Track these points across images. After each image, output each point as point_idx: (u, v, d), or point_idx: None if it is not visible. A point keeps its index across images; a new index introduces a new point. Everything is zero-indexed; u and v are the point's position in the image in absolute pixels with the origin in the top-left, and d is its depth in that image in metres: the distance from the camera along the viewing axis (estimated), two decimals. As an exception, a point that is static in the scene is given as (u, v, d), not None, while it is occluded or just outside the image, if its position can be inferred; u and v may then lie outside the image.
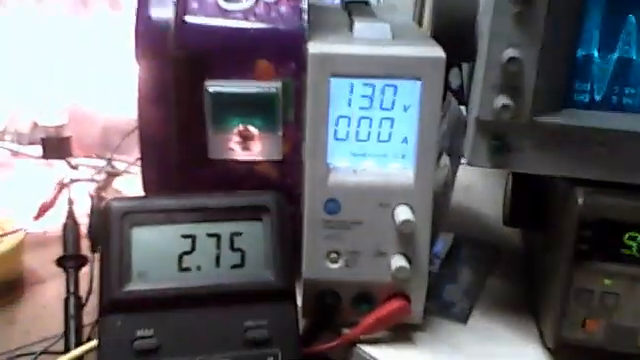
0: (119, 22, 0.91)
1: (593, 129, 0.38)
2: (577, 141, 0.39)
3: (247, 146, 0.47)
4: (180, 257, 0.41)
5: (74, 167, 0.86)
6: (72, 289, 0.57)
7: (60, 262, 0.59)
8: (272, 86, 0.45)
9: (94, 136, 0.93)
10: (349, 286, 0.46)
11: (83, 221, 0.65)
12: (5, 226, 0.69)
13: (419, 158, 0.43)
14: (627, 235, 0.39)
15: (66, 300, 0.57)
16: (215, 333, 0.39)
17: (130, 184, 0.76)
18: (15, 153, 0.92)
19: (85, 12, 0.92)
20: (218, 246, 0.41)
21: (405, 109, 0.43)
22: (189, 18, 0.45)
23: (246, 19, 0.45)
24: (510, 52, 0.37)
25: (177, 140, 0.47)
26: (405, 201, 0.44)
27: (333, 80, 0.43)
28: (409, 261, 0.45)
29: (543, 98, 0.38)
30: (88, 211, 0.63)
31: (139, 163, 0.76)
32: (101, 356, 0.39)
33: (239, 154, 0.47)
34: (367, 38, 0.45)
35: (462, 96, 0.52)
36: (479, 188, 0.68)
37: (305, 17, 0.45)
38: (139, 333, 0.38)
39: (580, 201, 0.39)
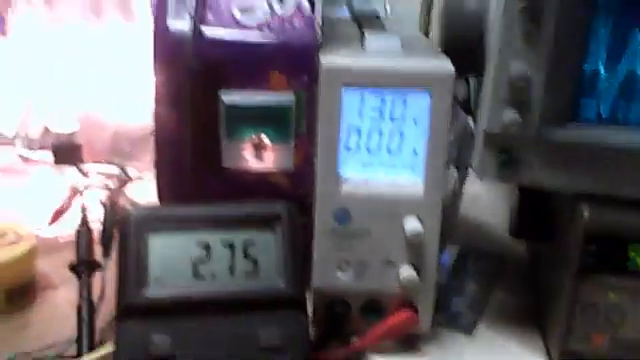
0: (131, 30, 0.92)
1: (599, 144, 0.39)
2: (583, 156, 0.40)
3: (260, 156, 0.48)
4: (195, 265, 0.42)
5: (85, 173, 0.87)
6: (85, 294, 0.58)
7: (73, 268, 0.60)
8: (285, 98, 0.46)
9: (104, 142, 0.94)
10: (358, 295, 0.47)
11: (94, 226, 0.66)
12: (18, 231, 0.69)
13: (428, 169, 0.44)
14: (632, 249, 0.40)
15: (79, 305, 0.57)
16: (228, 339, 0.40)
17: (141, 191, 0.76)
18: (25, 159, 0.93)
19: (97, 21, 0.94)
20: (232, 254, 0.42)
21: (415, 121, 0.44)
22: (206, 30, 0.46)
23: (261, 32, 0.46)
24: (518, 68, 0.38)
25: (192, 148, 0.48)
26: (414, 212, 0.45)
27: (345, 92, 0.44)
28: (417, 271, 0.46)
29: (550, 113, 0.39)
30: (101, 217, 0.64)
31: (150, 169, 0.77)
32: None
33: (252, 164, 0.48)
34: (378, 51, 0.46)
35: (468, 107, 0.53)
36: (485, 199, 0.69)
37: (318, 31, 0.46)
38: (155, 338, 0.39)
39: (586, 215, 0.40)
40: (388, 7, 0.62)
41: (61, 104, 0.91)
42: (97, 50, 0.93)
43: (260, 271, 0.42)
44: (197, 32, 0.46)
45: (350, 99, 0.44)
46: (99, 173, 0.89)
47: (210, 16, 0.47)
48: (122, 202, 0.67)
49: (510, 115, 0.39)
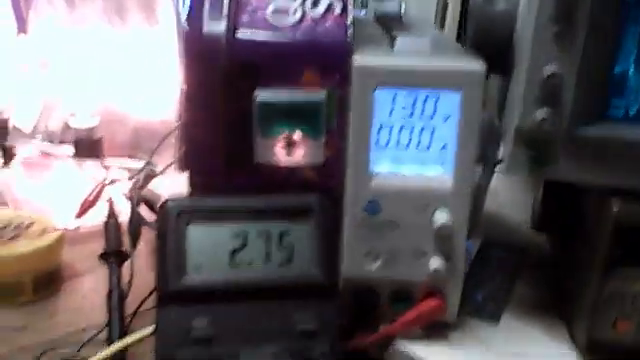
0: (151, 29, 0.94)
1: (627, 141, 0.40)
2: (612, 152, 0.41)
3: (291, 151, 0.49)
4: (232, 253, 0.43)
5: (106, 167, 0.89)
6: (115, 282, 0.59)
7: (103, 257, 0.62)
8: (317, 96, 0.48)
9: (125, 137, 0.96)
10: (386, 285, 0.49)
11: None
12: (45, 221, 0.71)
13: (458, 165, 0.46)
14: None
15: (109, 293, 0.59)
16: (265, 325, 0.42)
17: (164, 185, 0.78)
18: (46, 153, 0.95)
19: (118, 20, 0.95)
20: (268, 244, 0.44)
21: (445, 118, 0.46)
22: (240, 32, 0.47)
23: (293, 32, 0.48)
24: (551, 68, 0.39)
25: (224, 146, 0.49)
26: (443, 205, 0.46)
27: (377, 91, 0.45)
28: (446, 262, 0.47)
29: (580, 111, 0.40)
30: (128, 209, 0.65)
31: (171, 164, 0.79)
32: (159, 343, 0.41)
33: (283, 159, 0.50)
34: (408, 51, 0.47)
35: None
36: (506, 194, 0.70)
37: (350, 32, 0.47)
38: (195, 323, 0.41)
39: (615, 209, 0.41)
40: (403, 6, 0.63)
41: (81, 99, 0.93)
42: (117, 47, 0.94)
43: (295, 260, 0.44)
44: (231, 34, 0.47)
45: (382, 98, 0.45)
46: (120, 167, 0.90)
47: (244, 18, 0.48)
48: (148, 195, 0.69)
49: (542, 113, 0.40)
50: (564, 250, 0.53)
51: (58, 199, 0.84)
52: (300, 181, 0.51)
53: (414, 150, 0.47)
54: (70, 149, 0.93)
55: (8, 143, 0.89)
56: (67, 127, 0.94)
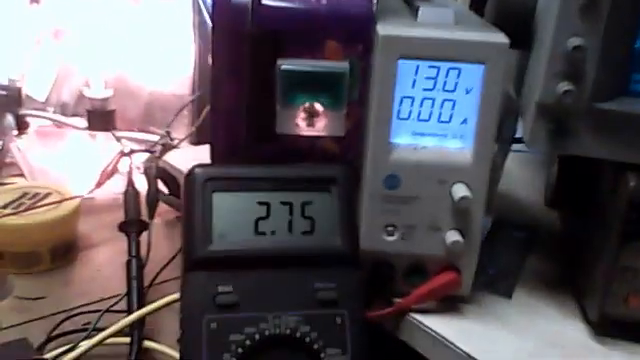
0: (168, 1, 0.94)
1: (647, 116, 0.41)
2: (631, 128, 0.42)
3: (312, 122, 0.50)
4: (256, 222, 0.44)
5: (118, 139, 0.89)
6: (134, 252, 0.60)
7: (122, 227, 0.63)
8: (340, 66, 0.48)
9: (137, 110, 0.96)
10: (403, 258, 0.49)
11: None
12: (61, 192, 0.72)
13: (478, 138, 0.46)
14: (674, 217, 0.42)
15: (128, 262, 0.60)
16: (287, 292, 0.43)
17: (175, 157, 0.78)
18: (59, 124, 0.96)
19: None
20: (290, 213, 0.44)
21: (467, 91, 0.46)
22: (266, 0, 0.47)
23: (319, 2, 0.48)
24: (575, 41, 0.40)
25: (247, 114, 0.50)
26: (462, 179, 0.47)
27: (400, 62, 0.45)
28: (462, 236, 0.48)
29: (602, 85, 0.41)
30: (144, 180, 0.66)
31: (189, 138, 0.79)
32: (186, 308, 0.42)
33: (304, 129, 0.50)
34: (432, 22, 0.47)
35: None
36: (518, 172, 0.71)
37: (374, 1, 0.48)
38: (220, 289, 0.42)
39: (632, 184, 0.42)
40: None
41: (95, 70, 0.93)
42: (131, 18, 0.94)
43: (317, 229, 0.44)
44: (257, 2, 0.47)
45: (405, 69, 0.46)
46: (132, 139, 0.91)
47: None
48: (164, 167, 0.70)
49: (564, 87, 0.41)
50: (577, 226, 0.54)
51: (72, 170, 0.85)
52: (320, 152, 0.51)
53: (435, 123, 0.47)
54: (83, 121, 0.93)
55: (21, 112, 0.90)
56: (81, 97, 0.94)
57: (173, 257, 0.61)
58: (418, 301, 0.49)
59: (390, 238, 0.49)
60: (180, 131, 0.88)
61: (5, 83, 0.91)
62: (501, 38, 0.44)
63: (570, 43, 0.41)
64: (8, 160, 0.87)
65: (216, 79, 0.50)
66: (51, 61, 0.97)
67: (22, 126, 0.90)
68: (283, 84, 0.48)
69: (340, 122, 0.50)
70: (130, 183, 0.65)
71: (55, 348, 0.54)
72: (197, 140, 0.82)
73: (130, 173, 0.67)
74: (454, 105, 0.47)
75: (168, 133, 0.70)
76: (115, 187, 0.78)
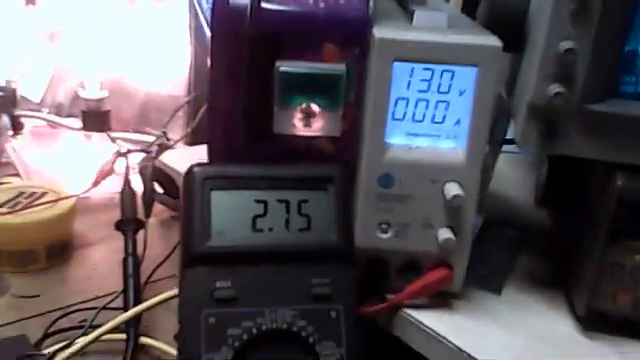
0: (164, 4, 0.95)
1: (635, 118, 0.42)
2: (620, 129, 0.43)
3: (309, 123, 0.51)
4: (254, 219, 0.45)
5: (113, 139, 0.90)
6: (130, 250, 0.61)
7: (118, 225, 0.64)
8: (337, 68, 0.49)
9: (132, 111, 0.97)
10: (397, 255, 0.50)
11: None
12: (57, 191, 0.72)
13: (470, 139, 0.47)
14: (660, 215, 0.44)
15: (125, 260, 0.61)
16: (284, 288, 0.44)
17: (170, 158, 0.79)
18: (54, 124, 0.96)
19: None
20: (287, 211, 0.45)
21: (460, 93, 0.47)
22: (265, 3, 0.48)
23: (316, 5, 0.49)
24: (566, 44, 0.41)
25: (244, 115, 0.51)
26: (455, 178, 0.48)
27: (396, 64, 0.46)
28: (455, 234, 0.49)
29: (592, 87, 0.42)
30: (140, 180, 0.67)
31: (185, 139, 0.80)
32: (184, 302, 0.43)
33: (301, 130, 0.51)
34: (426, 26, 0.48)
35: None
36: (508, 174, 0.73)
37: (371, 5, 0.49)
38: (218, 284, 0.43)
39: (619, 183, 0.43)
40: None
41: (90, 71, 0.93)
42: (127, 19, 0.95)
43: (313, 226, 0.45)
44: (256, 4, 0.48)
45: (400, 71, 0.47)
46: (127, 140, 0.92)
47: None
48: (160, 167, 0.70)
49: (555, 89, 0.42)
50: (567, 224, 0.55)
51: (67, 170, 0.86)
52: (317, 152, 0.52)
53: (429, 124, 0.48)
54: (78, 122, 0.94)
55: (17, 113, 0.90)
56: (76, 97, 0.95)
57: (169, 254, 0.61)
58: (411, 297, 0.50)
59: (384, 235, 0.50)
60: (175, 132, 0.88)
61: (1, 84, 0.91)
62: (494, 41, 0.46)
63: (561, 46, 0.42)
64: (4, 160, 0.87)
65: (214, 80, 0.51)
66: (46, 62, 0.97)
67: (17, 127, 0.91)
68: (281, 85, 0.49)
69: (336, 123, 0.51)
70: (127, 182, 0.66)
71: (52, 345, 0.55)
72: (192, 141, 0.83)
73: (127, 173, 0.67)
74: (448, 106, 0.48)
75: (164, 133, 0.71)
76: (110, 187, 0.78)
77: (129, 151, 0.70)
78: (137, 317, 0.55)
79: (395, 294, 0.50)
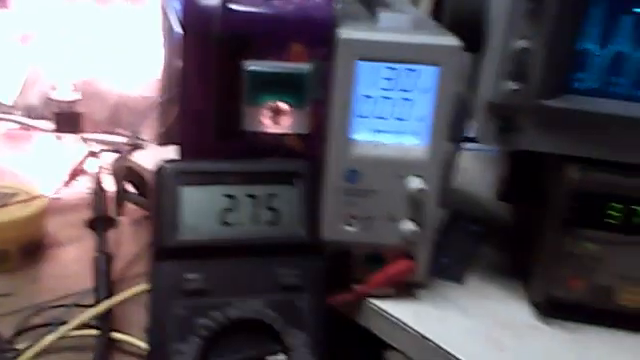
0: (133, 4, 0.95)
1: (588, 113, 0.45)
2: (573, 123, 0.46)
3: (277, 120, 0.52)
4: (222, 213, 0.46)
5: (85, 141, 0.90)
6: (101, 247, 0.62)
7: (90, 223, 0.64)
8: (302, 67, 0.51)
9: (103, 113, 0.97)
10: (363, 247, 0.52)
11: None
12: (29, 191, 0.73)
13: (433, 136, 0.49)
14: (609, 206, 0.46)
15: (96, 257, 0.61)
16: (252, 279, 0.45)
17: (141, 158, 0.80)
18: (26, 127, 0.96)
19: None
20: (256, 205, 0.47)
21: (423, 91, 0.49)
22: (233, 5, 0.50)
23: (283, 6, 0.50)
24: (522, 43, 0.43)
25: (215, 113, 0.52)
26: (418, 173, 0.50)
27: (360, 63, 0.48)
28: (417, 226, 0.51)
29: (546, 84, 0.44)
30: (112, 180, 0.68)
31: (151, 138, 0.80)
32: (154, 296, 0.44)
33: (270, 127, 0.52)
34: (390, 27, 0.50)
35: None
36: (471, 170, 0.75)
37: (336, 6, 0.50)
38: (187, 276, 0.44)
39: (571, 175, 0.46)
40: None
41: (63, 73, 0.94)
42: (99, 22, 0.96)
43: (281, 220, 0.47)
44: (225, 6, 0.49)
45: (364, 70, 0.48)
46: (98, 141, 0.92)
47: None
48: (132, 166, 0.71)
49: (512, 86, 0.44)
50: (526, 217, 0.57)
51: (39, 171, 0.86)
52: (285, 149, 0.54)
53: (393, 121, 0.50)
54: (50, 124, 0.94)
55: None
56: (49, 100, 0.95)
57: (142, 252, 0.62)
58: (376, 287, 0.51)
59: (350, 229, 0.52)
60: (147, 133, 0.89)
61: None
62: (454, 41, 0.48)
63: (518, 45, 0.44)
64: (-24, 162, 0.87)
65: (185, 80, 0.52)
66: (19, 65, 0.97)
67: (-11, 129, 0.90)
68: (249, 84, 0.50)
69: (304, 120, 0.52)
70: (98, 180, 0.67)
71: (24, 341, 0.55)
72: (164, 141, 0.84)
73: (99, 172, 0.68)
74: (411, 104, 0.50)
75: (135, 133, 0.71)
76: (82, 187, 0.79)
77: (101, 151, 0.70)
78: (108, 313, 0.56)
79: (360, 284, 0.52)
